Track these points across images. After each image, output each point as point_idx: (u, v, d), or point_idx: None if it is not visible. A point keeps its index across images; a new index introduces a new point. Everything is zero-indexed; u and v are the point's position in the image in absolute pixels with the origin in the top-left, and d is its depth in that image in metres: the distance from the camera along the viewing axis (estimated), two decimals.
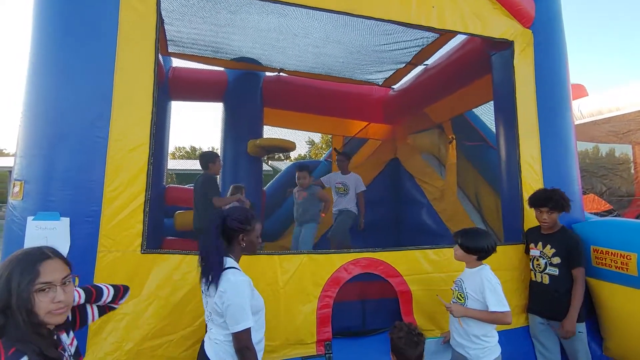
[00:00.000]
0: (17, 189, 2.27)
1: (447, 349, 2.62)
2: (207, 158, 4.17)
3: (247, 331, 1.73)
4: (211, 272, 1.80)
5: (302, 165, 4.72)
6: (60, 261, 1.24)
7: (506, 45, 3.27)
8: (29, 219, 2.17)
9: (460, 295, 2.35)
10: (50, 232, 2.13)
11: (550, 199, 2.76)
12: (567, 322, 2.63)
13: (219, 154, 4.89)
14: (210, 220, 1.94)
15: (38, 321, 1.15)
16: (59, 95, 2.33)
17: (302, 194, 4.52)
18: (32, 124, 2.35)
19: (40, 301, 1.15)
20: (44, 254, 1.22)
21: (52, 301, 1.17)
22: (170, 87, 4.88)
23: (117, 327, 2.21)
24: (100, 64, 2.35)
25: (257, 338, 1.83)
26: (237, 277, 1.79)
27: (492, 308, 2.18)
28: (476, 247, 2.28)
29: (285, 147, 5.06)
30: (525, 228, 3.08)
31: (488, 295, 2.20)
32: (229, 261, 1.86)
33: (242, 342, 1.73)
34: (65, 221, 2.18)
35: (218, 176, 4.67)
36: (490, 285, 2.22)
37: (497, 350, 2.32)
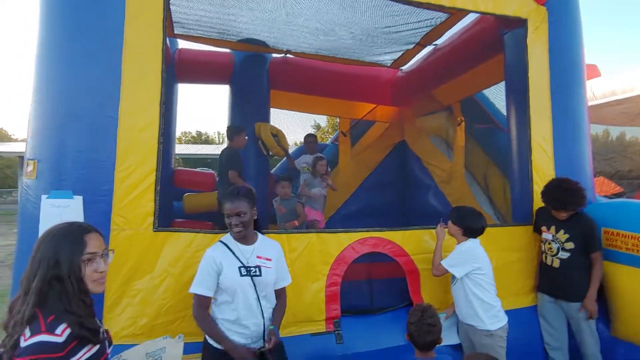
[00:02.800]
0: (30, 168, 2.30)
1: (451, 325, 2.67)
2: (232, 130, 4.35)
3: (198, 297, 1.92)
4: None
5: (283, 176, 4.40)
6: (99, 234, 1.34)
7: (519, 24, 3.19)
8: (43, 197, 2.21)
9: None
10: (64, 210, 2.17)
11: (569, 204, 2.68)
12: (588, 302, 2.67)
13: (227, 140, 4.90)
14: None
15: (85, 289, 1.25)
16: (68, 76, 2.34)
17: (281, 209, 4.16)
18: (43, 104, 2.37)
19: (87, 270, 1.25)
20: (86, 227, 1.33)
21: (96, 271, 1.27)
22: (176, 69, 4.86)
23: (131, 303, 2.27)
24: (108, 44, 2.35)
25: (231, 317, 1.92)
26: (208, 250, 2.01)
27: (443, 261, 2.52)
28: (462, 222, 2.52)
29: (276, 153, 4.95)
30: (535, 208, 3.07)
31: (451, 254, 2.54)
32: (224, 237, 2.06)
33: (193, 305, 1.94)
34: (79, 199, 2.21)
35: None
36: (460, 250, 2.51)
37: (505, 318, 2.40)
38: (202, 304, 1.94)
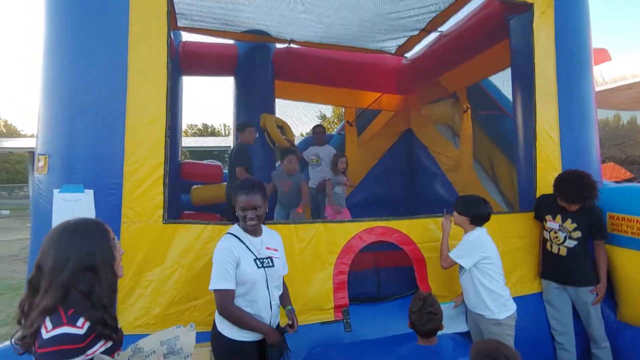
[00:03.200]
0: (41, 163, 2.35)
1: (459, 314, 2.70)
2: (238, 127, 4.40)
3: (222, 293, 1.86)
4: None
5: (290, 150, 4.36)
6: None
7: (525, 8, 3.15)
8: (55, 191, 2.26)
9: None
10: (76, 204, 2.22)
11: (590, 198, 2.63)
12: (601, 288, 2.73)
13: (233, 132, 4.92)
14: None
15: (116, 274, 1.35)
16: (75, 71, 2.37)
17: (288, 184, 4.08)
18: (52, 100, 2.40)
19: (116, 256, 1.36)
20: (98, 222, 1.40)
21: (120, 254, 1.39)
22: (181, 61, 4.86)
23: (144, 293, 2.32)
24: (114, 38, 2.36)
25: (248, 309, 1.91)
26: (223, 242, 1.95)
27: (450, 252, 2.52)
28: (468, 211, 2.52)
29: (282, 144, 4.87)
30: (537, 194, 3.07)
31: (459, 245, 2.53)
32: (233, 228, 2.03)
33: (218, 302, 1.88)
34: (90, 193, 2.26)
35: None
36: (468, 240, 2.50)
37: (513, 306, 2.42)
38: (228, 297, 1.87)
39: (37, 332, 1.18)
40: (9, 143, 20.94)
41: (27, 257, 7.47)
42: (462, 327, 2.69)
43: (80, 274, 1.24)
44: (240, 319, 1.88)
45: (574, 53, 3.19)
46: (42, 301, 1.20)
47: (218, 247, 1.94)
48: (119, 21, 2.36)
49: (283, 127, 4.94)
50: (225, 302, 1.87)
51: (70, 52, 2.38)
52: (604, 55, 7.06)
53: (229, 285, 1.86)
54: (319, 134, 5.16)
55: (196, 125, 40.35)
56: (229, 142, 14.49)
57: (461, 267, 2.52)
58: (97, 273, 1.27)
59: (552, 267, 2.90)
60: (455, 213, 2.60)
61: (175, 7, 3.82)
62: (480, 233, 2.51)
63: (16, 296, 5.08)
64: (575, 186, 2.66)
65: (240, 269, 1.89)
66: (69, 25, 2.40)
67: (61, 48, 2.40)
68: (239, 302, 1.91)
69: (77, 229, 1.31)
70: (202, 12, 4.01)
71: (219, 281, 1.87)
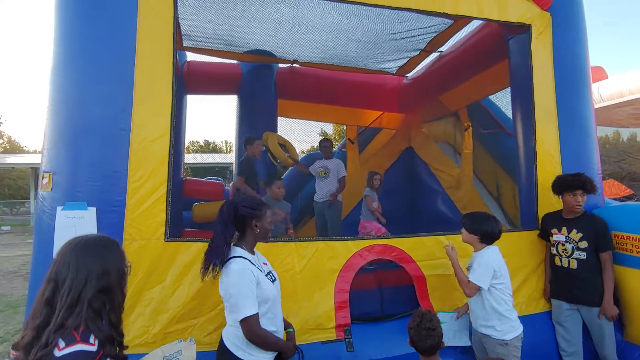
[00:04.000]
0: (46, 180, 2.37)
1: (463, 328, 2.65)
2: (246, 141, 4.56)
3: (252, 318, 1.72)
4: (215, 260, 1.80)
5: (276, 175, 4.45)
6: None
7: (523, 29, 3.21)
8: (59, 209, 2.27)
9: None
10: (79, 221, 2.23)
11: (585, 182, 2.74)
12: (607, 306, 2.67)
13: (235, 149, 5.03)
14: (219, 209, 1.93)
15: (125, 298, 1.35)
16: (83, 90, 2.42)
17: (280, 213, 3.90)
18: (58, 118, 2.44)
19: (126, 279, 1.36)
20: (115, 240, 1.39)
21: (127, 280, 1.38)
22: (185, 81, 4.95)
23: (143, 312, 2.30)
24: (121, 58, 2.43)
25: (271, 328, 1.84)
26: (239, 265, 1.79)
27: (469, 276, 2.41)
28: (477, 229, 2.43)
29: (285, 162, 5.00)
30: (539, 214, 3.07)
31: (475, 266, 2.41)
32: (237, 250, 1.86)
33: (248, 329, 1.73)
34: (92, 210, 2.27)
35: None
36: (483, 260, 2.39)
37: (520, 327, 2.38)
38: (256, 321, 1.75)
39: (52, 350, 1.16)
40: (12, 159, 21.10)
41: (26, 273, 7.42)
42: (465, 342, 2.64)
43: (95, 294, 1.23)
44: (269, 342, 1.81)
45: (572, 72, 3.24)
46: (61, 319, 1.18)
47: (236, 271, 1.78)
48: (127, 42, 2.43)
49: (285, 146, 4.99)
50: (255, 327, 1.75)
51: (78, 70, 2.44)
52: (600, 73, 7.17)
53: (256, 308, 1.75)
54: (326, 148, 5.13)
55: (198, 142, 40.63)
56: (230, 158, 14.57)
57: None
58: (110, 293, 1.27)
59: (563, 284, 2.86)
60: (463, 231, 2.51)
61: (181, 28, 3.92)
62: (493, 251, 2.42)
63: (15, 314, 5.03)
64: (571, 175, 2.83)
65: (261, 288, 1.81)
66: (77, 44, 2.46)
67: (69, 67, 2.46)
68: (262, 322, 1.81)
69: (97, 246, 1.31)
70: (206, 33, 4.12)
71: (249, 307, 1.73)
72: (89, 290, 1.22)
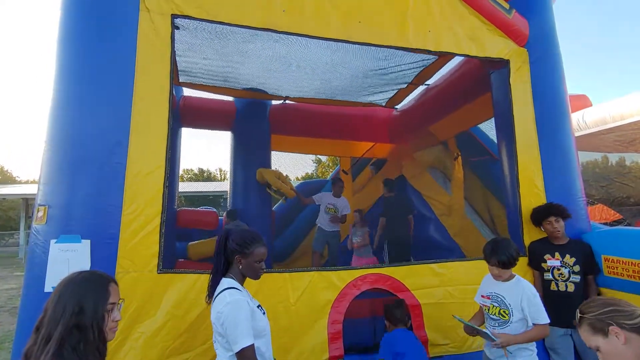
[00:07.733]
0: (41, 213, 2.39)
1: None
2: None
3: (248, 350, 1.68)
4: (210, 288, 1.85)
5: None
6: (116, 285, 1.39)
7: (503, 64, 3.39)
8: (52, 241, 2.28)
9: (504, 312, 2.27)
10: (72, 254, 2.24)
11: (550, 208, 2.98)
12: None
13: (229, 181, 5.16)
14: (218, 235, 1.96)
15: (104, 339, 1.28)
16: (80, 125, 2.47)
17: None
18: (55, 152, 2.48)
19: (107, 320, 1.29)
20: (108, 277, 1.37)
21: (113, 320, 1.32)
22: (181, 114, 5.07)
23: (134, 346, 2.28)
24: (119, 94, 2.51)
25: None
26: (233, 296, 1.75)
27: (534, 321, 2.17)
28: (512, 259, 2.21)
29: (284, 193, 5.13)
30: (526, 242, 3.15)
31: (531, 308, 2.18)
32: (227, 282, 1.84)
33: None
34: (86, 243, 2.29)
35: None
36: (532, 296, 2.20)
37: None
38: (253, 352, 1.71)
39: None
40: (4, 189, 20.88)
41: (13, 308, 7.19)
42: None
43: (70, 330, 1.21)
44: None
45: (551, 104, 3.40)
46: (41, 356, 1.18)
47: (232, 301, 1.74)
48: (125, 77, 2.52)
49: (280, 178, 5.08)
50: (253, 358, 1.70)
51: (77, 106, 2.50)
52: (584, 101, 7.43)
53: (252, 339, 1.71)
54: (339, 188, 5.48)
55: (192, 170, 40.67)
56: (224, 187, 14.56)
57: (506, 321, 2.26)
58: (85, 333, 1.23)
59: (558, 309, 2.84)
60: (495, 268, 2.26)
61: (178, 64, 4.07)
62: (525, 280, 2.30)
63: (0, 350, 4.86)
64: (543, 205, 3.08)
65: (255, 319, 1.78)
66: (77, 79, 2.54)
67: (68, 102, 2.52)
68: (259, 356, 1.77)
69: (79, 282, 1.30)
70: (202, 70, 4.27)
71: (247, 337, 1.68)
72: (60, 326, 1.20)
